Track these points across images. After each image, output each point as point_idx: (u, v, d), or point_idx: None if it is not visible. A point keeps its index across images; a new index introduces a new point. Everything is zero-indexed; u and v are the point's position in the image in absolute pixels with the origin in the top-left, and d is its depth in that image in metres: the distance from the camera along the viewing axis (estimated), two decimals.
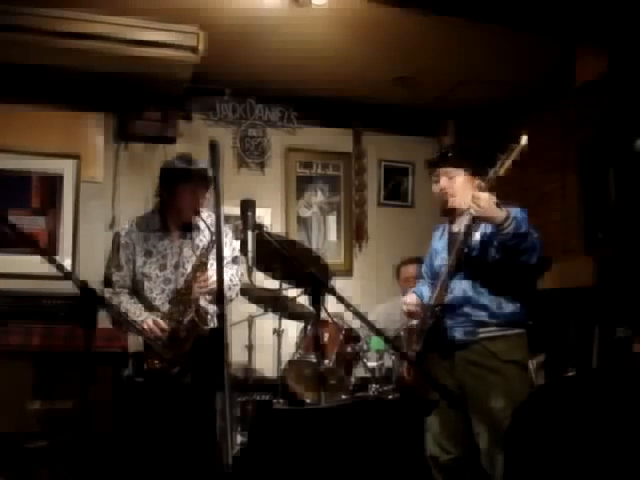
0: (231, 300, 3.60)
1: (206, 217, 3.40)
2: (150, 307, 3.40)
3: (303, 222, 5.64)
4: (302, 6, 4.06)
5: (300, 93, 5.41)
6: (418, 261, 4.95)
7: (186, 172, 3.39)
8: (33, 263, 3.86)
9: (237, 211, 2.70)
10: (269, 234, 2.81)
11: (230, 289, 3.51)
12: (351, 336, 4.28)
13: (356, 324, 4.33)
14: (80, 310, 2.28)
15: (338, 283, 3.99)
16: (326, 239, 5.69)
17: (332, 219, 5.73)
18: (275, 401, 4.32)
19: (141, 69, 4.53)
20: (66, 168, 5.01)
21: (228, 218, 5.02)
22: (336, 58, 4.80)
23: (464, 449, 3.10)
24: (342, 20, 4.29)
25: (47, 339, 3.73)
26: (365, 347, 4.30)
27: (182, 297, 3.33)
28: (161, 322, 3.28)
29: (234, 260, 3.59)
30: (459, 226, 3.18)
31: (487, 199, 2.87)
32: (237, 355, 4.54)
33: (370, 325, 2.78)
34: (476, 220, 2.99)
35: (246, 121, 5.47)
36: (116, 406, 3.52)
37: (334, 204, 5.75)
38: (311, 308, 2.86)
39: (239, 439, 4.32)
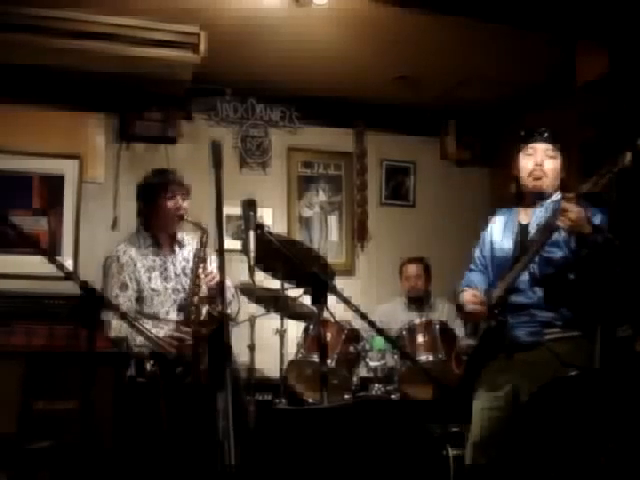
0: (234, 317, 3.58)
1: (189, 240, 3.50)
2: (162, 320, 3.37)
3: (305, 222, 5.64)
4: (303, 6, 4.06)
5: (301, 93, 5.40)
6: (421, 260, 4.95)
7: (162, 183, 3.45)
8: (35, 263, 3.86)
9: (238, 211, 2.71)
10: (270, 234, 2.82)
11: (230, 303, 3.50)
12: (353, 336, 4.28)
13: (357, 324, 4.33)
14: (82, 310, 2.28)
15: (339, 283, 3.98)
16: (327, 239, 5.68)
17: (334, 219, 5.73)
18: (277, 401, 4.32)
19: (142, 69, 4.53)
20: (67, 168, 5.02)
21: (230, 218, 5.06)
22: (337, 58, 4.79)
23: (500, 454, 2.92)
24: (343, 20, 4.29)
25: (49, 339, 3.74)
26: (367, 347, 4.30)
27: (193, 297, 3.33)
28: (180, 334, 3.25)
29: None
30: (529, 218, 2.99)
31: (579, 213, 2.65)
32: (239, 355, 4.54)
33: (372, 325, 2.78)
34: (559, 230, 2.74)
35: (247, 121, 5.47)
36: (117, 407, 3.52)
37: (335, 204, 5.75)
38: (313, 308, 2.87)
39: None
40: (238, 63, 4.86)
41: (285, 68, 4.95)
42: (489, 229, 3.16)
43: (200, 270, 3.35)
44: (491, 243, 3.11)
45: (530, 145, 3.01)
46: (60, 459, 3.52)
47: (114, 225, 5.03)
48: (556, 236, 2.81)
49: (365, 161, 5.81)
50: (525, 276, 2.89)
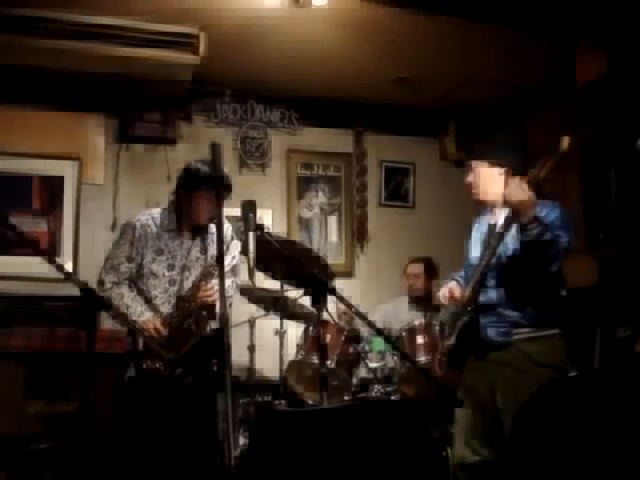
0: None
1: (226, 229, 3.41)
2: (148, 303, 3.41)
3: (304, 223, 5.64)
4: (302, 7, 4.06)
5: (301, 94, 5.41)
6: (425, 260, 4.95)
7: (209, 177, 3.31)
8: (34, 265, 3.86)
9: (238, 212, 2.71)
10: (269, 234, 2.82)
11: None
12: (353, 337, 4.28)
13: (357, 324, 4.33)
14: (81, 312, 2.28)
15: (339, 284, 3.99)
16: (327, 240, 5.69)
17: (333, 220, 5.73)
18: (277, 402, 4.32)
19: (141, 70, 4.53)
20: (67, 170, 5.02)
21: (229, 219, 5.06)
22: (337, 59, 4.80)
23: (492, 451, 3.01)
24: (342, 21, 4.29)
25: (49, 341, 3.73)
26: (367, 348, 4.30)
27: (184, 304, 3.34)
28: (160, 328, 3.29)
29: (232, 270, 3.57)
30: (496, 218, 3.08)
31: (524, 191, 2.74)
32: (238, 356, 4.54)
33: (371, 325, 2.78)
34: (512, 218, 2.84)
35: (247, 122, 5.47)
36: (117, 408, 3.52)
37: (335, 205, 5.75)
38: (312, 309, 2.87)
39: (241, 440, 4.32)
40: (237, 64, 4.86)
41: (285, 69, 4.95)
42: (470, 236, 3.29)
43: (202, 283, 3.35)
44: (468, 250, 3.24)
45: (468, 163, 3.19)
46: (60, 460, 3.52)
47: (114, 226, 5.03)
48: (514, 235, 2.89)
49: (365, 162, 5.82)
50: (494, 274, 2.98)
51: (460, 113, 5.77)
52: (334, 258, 5.51)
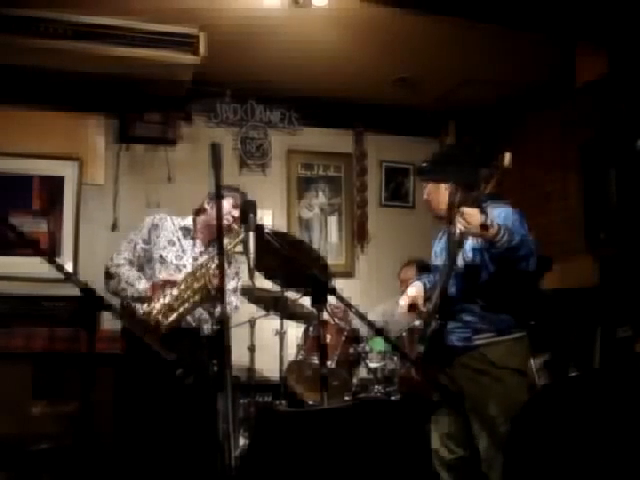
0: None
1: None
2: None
3: (304, 223, 5.64)
4: (302, 7, 4.06)
5: (301, 94, 5.41)
6: (417, 263, 4.95)
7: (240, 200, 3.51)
8: (34, 265, 3.85)
9: (238, 212, 2.71)
10: (270, 233, 2.82)
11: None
12: (353, 337, 4.28)
13: (357, 324, 4.33)
14: (81, 312, 2.28)
15: (339, 284, 3.99)
16: (327, 240, 5.69)
17: (333, 220, 5.73)
18: (277, 402, 4.32)
19: (141, 71, 4.53)
20: (67, 170, 5.02)
21: None
22: (337, 59, 4.79)
23: (468, 450, 3.10)
24: (342, 21, 4.29)
25: (49, 341, 3.73)
26: (367, 348, 4.30)
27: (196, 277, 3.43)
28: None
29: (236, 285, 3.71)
30: (454, 227, 3.16)
31: (475, 215, 2.82)
32: (239, 356, 4.54)
33: (371, 326, 2.78)
34: (465, 235, 2.95)
35: (247, 122, 5.47)
36: (117, 408, 3.52)
37: (335, 205, 5.75)
38: (312, 309, 2.87)
39: (242, 441, 4.32)
40: (238, 64, 4.86)
41: (285, 69, 4.95)
42: (434, 242, 3.46)
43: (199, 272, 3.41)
44: (434, 259, 3.40)
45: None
46: (60, 460, 3.52)
47: (114, 226, 5.04)
48: (475, 243, 3.02)
49: (365, 162, 5.82)
50: (455, 281, 3.08)
51: (460, 113, 5.77)
52: (334, 258, 5.51)
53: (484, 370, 3.01)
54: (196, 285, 3.40)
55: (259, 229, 2.72)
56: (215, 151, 2.32)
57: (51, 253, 4.71)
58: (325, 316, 3.29)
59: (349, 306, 2.68)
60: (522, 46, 4.55)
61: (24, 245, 3.86)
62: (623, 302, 4.32)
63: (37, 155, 4.92)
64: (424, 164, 3.38)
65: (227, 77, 5.14)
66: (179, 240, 3.58)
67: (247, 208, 2.70)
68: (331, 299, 2.75)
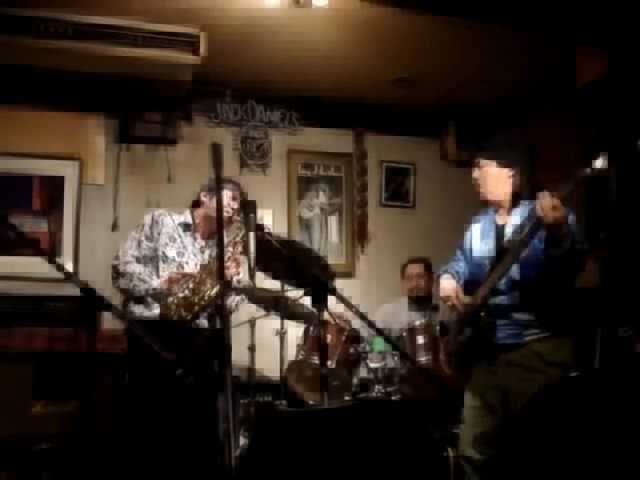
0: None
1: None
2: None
3: (305, 223, 5.64)
4: (303, 7, 4.06)
5: (301, 94, 5.41)
6: (423, 261, 4.95)
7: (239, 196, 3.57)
8: (35, 265, 3.86)
9: None
10: (270, 234, 2.82)
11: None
12: (353, 337, 4.28)
13: (357, 324, 4.32)
14: (81, 312, 2.28)
15: (340, 284, 3.99)
16: (328, 240, 5.69)
17: (334, 220, 5.73)
18: (277, 402, 4.31)
19: (142, 70, 4.54)
20: (67, 170, 5.02)
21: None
22: (337, 59, 4.80)
23: (496, 451, 2.99)
24: (343, 21, 4.30)
25: (49, 341, 3.73)
26: (367, 348, 4.30)
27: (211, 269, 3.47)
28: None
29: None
30: (504, 219, 3.06)
31: (560, 208, 2.66)
32: (239, 356, 4.54)
33: (372, 325, 2.78)
34: (540, 227, 2.75)
35: (247, 122, 5.47)
36: (117, 408, 3.52)
37: (336, 205, 5.75)
38: (312, 309, 2.87)
39: (242, 441, 4.31)
40: (238, 64, 4.86)
41: (285, 69, 4.95)
42: (470, 229, 3.24)
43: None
44: (471, 243, 3.20)
45: (476, 159, 3.13)
46: (60, 460, 3.51)
47: (114, 227, 5.04)
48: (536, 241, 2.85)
49: (365, 162, 5.82)
50: (507, 277, 2.94)
51: (460, 113, 5.77)
52: (334, 258, 5.51)
53: (531, 364, 2.90)
54: (210, 279, 3.44)
55: (259, 229, 2.72)
56: (215, 151, 2.32)
57: (51, 253, 4.71)
58: (326, 316, 3.28)
59: (349, 306, 2.68)
60: (522, 46, 4.55)
61: (24, 245, 3.85)
62: (623, 302, 4.32)
63: (37, 155, 4.93)
64: (487, 141, 3.15)
65: (227, 77, 5.14)
66: (180, 237, 3.61)
67: (247, 208, 2.70)
68: (333, 304, 2.75)
